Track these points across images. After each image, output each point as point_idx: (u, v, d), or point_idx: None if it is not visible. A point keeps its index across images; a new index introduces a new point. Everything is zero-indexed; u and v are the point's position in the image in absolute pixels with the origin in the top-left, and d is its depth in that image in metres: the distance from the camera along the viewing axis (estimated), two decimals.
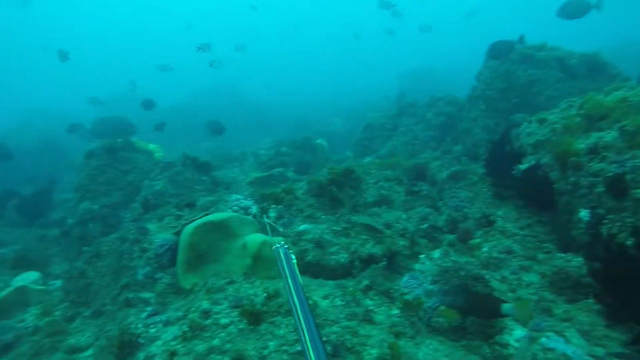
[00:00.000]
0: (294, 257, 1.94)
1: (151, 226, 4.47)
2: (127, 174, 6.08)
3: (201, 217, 3.92)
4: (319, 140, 9.09)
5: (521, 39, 6.57)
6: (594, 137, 3.42)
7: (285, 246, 2.03)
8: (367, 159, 7.37)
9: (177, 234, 3.96)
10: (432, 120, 7.95)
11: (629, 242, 2.79)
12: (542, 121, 4.36)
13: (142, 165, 6.27)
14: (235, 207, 4.42)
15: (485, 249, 3.92)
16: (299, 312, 1.48)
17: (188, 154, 6.06)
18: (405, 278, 3.51)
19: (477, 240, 4.07)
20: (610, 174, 3.01)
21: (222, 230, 3.86)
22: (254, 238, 3.64)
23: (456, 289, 2.95)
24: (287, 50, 35.36)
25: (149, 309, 3.70)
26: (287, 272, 1.79)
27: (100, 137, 7.15)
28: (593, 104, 3.82)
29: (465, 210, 4.59)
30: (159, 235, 4.24)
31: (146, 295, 3.89)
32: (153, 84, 27.78)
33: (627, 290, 2.63)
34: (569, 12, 6.52)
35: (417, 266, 3.78)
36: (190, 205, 4.72)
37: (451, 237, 4.29)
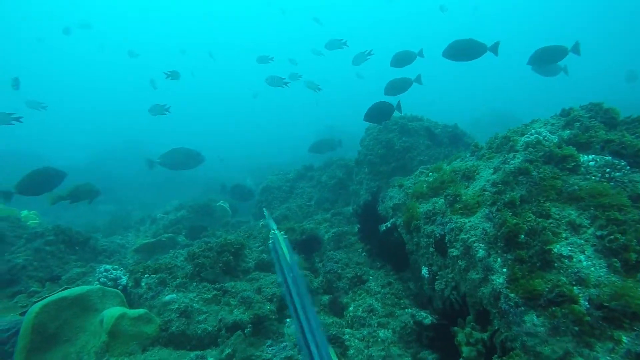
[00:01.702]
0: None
1: None
2: None
3: (58, 292, 3.66)
4: (220, 203, 9.09)
5: (398, 106, 6.84)
6: (430, 203, 3.96)
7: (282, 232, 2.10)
8: (261, 222, 7.52)
9: (24, 314, 3.63)
10: (327, 182, 8.45)
11: (451, 297, 3.20)
12: (400, 186, 4.94)
13: (4, 237, 5.69)
14: (103, 279, 4.19)
15: (351, 308, 4.16)
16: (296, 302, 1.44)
17: (60, 225, 5.67)
18: (269, 342, 3.56)
19: (346, 300, 4.31)
20: (437, 235, 3.49)
21: (78, 305, 3.62)
22: (111, 312, 3.48)
23: None
24: (199, 104, 35.67)
25: None
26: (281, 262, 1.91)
27: (171, 168, 6.46)
28: (435, 173, 4.46)
29: (339, 271, 4.86)
30: (4, 318, 3.84)
31: None
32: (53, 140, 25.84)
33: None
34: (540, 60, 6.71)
35: (284, 330, 3.87)
36: (54, 279, 4.38)
37: (325, 297, 4.49)
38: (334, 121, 21.62)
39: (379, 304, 4.10)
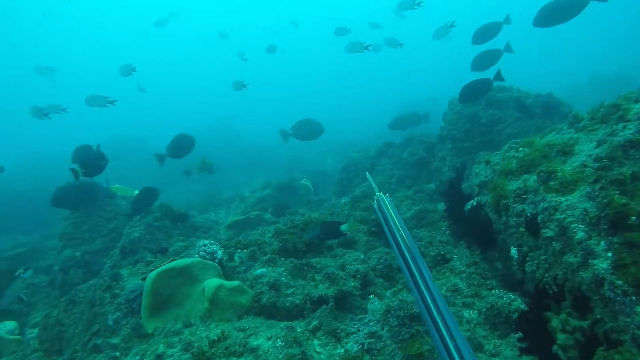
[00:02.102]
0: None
1: (125, 272, 4.73)
2: (109, 221, 6.42)
3: (167, 263, 4.19)
4: (302, 181, 9.44)
5: (498, 75, 6.13)
6: (521, 181, 3.70)
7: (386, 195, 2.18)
8: (344, 200, 7.66)
9: (144, 279, 4.22)
10: (408, 159, 8.28)
11: (544, 279, 3.01)
12: (487, 162, 4.67)
13: (124, 212, 6.62)
14: (202, 253, 4.68)
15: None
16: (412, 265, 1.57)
17: (165, 203, 6.40)
18: (352, 317, 3.71)
19: None
20: (528, 215, 3.27)
21: (184, 275, 4.11)
22: (211, 283, 3.89)
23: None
24: (282, 87, 36.54)
25: (117, 354, 3.91)
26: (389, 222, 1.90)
27: (300, 138, 7.44)
28: (527, 148, 4.14)
29: (422, 249, 4.81)
30: (131, 281, 4.50)
31: (114, 340, 4.10)
32: (151, 121, 28.57)
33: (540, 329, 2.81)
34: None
35: (368, 306, 3.98)
36: (163, 251, 4.99)
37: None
38: (433, 93, 20.57)
39: (464, 284, 4.00)
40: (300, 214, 6.75)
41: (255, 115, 28.95)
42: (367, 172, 3.65)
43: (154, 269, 4.16)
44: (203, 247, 4.73)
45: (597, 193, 2.76)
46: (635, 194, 2.54)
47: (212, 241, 5.05)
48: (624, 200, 2.44)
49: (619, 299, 2.20)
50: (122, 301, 4.33)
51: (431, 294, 1.34)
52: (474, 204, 4.29)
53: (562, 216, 2.85)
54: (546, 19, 5.47)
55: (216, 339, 3.31)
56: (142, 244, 5.57)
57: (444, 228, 5.25)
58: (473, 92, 6.32)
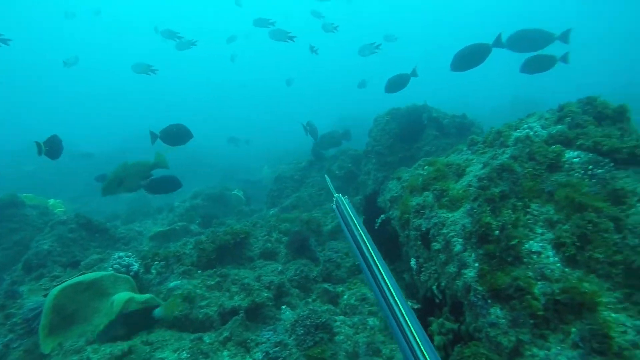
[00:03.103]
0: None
1: (26, 289, 4.45)
2: (14, 233, 5.97)
3: (75, 277, 4.02)
4: (234, 191, 9.41)
5: (414, 72, 6.71)
6: (422, 197, 4.06)
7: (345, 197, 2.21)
8: (272, 211, 7.77)
9: (47, 296, 4.01)
10: (337, 172, 8.60)
11: (433, 288, 3.34)
12: (398, 179, 5.04)
13: (34, 223, 6.19)
14: (116, 266, 4.54)
15: (345, 297, 4.36)
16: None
17: (81, 213, 6.10)
18: (264, 327, 3.82)
19: (340, 289, 4.51)
20: (423, 229, 3.61)
21: (93, 289, 3.98)
22: (120, 296, 3.80)
23: None
24: (226, 94, 36.07)
25: None
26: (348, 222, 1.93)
27: (167, 143, 6.86)
28: (431, 167, 4.54)
29: (339, 260, 5.05)
30: (32, 298, 4.24)
31: None
32: (85, 130, 26.98)
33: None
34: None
35: (281, 316, 4.12)
36: (74, 264, 4.76)
37: (324, 285, 4.70)
38: (352, 111, 21.43)
39: (372, 294, 4.27)
40: (225, 225, 6.75)
41: (194, 120, 28.19)
42: (325, 176, 3.80)
43: (59, 284, 3.97)
44: (118, 260, 4.60)
45: (475, 210, 3.14)
46: (501, 211, 2.94)
47: (129, 253, 4.92)
48: (488, 218, 2.81)
49: (479, 302, 2.53)
50: (18, 321, 4.07)
51: (390, 292, 1.46)
52: (383, 218, 4.61)
53: (446, 230, 3.20)
54: (459, 64, 6.05)
55: (120, 354, 3.26)
56: (52, 257, 5.25)
57: None
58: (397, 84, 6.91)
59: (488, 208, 3.02)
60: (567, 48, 5.97)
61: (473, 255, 2.82)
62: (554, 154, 3.24)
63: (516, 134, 3.86)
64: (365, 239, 1.80)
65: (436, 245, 3.30)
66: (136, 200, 11.95)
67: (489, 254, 2.66)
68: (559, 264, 2.48)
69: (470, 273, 2.72)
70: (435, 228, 3.39)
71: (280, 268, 4.78)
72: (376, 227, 4.70)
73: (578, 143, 3.27)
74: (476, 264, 2.73)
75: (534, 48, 6.08)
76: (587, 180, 2.98)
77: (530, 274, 2.49)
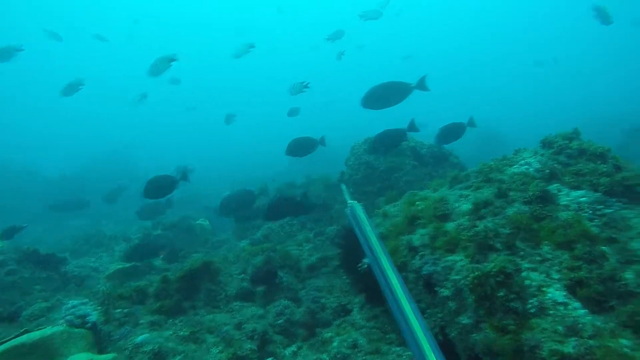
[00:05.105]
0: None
1: None
2: None
3: (15, 337, 3.36)
4: (199, 221, 8.81)
5: (412, 125, 6.48)
6: (418, 235, 3.83)
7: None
8: (242, 243, 7.28)
9: None
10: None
11: (439, 337, 3.06)
12: (385, 215, 4.81)
13: None
14: (69, 317, 3.90)
15: (335, 344, 3.98)
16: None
17: (28, 246, 5.32)
18: None
19: (329, 334, 4.13)
20: (424, 272, 3.35)
21: (39, 352, 3.32)
22: (76, 358, 3.20)
23: None
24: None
25: None
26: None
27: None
28: (422, 202, 4.34)
29: (323, 300, 4.68)
30: None
31: None
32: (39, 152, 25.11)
33: None
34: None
35: None
36: (13, 317, 4.05)
37: (310, 330, 4.30)
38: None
39: (364, 340, 3.93)
40: (192, 260, 6.18)
41: (155, 143, 27.10)
42: (342, 184, 3.61)
43: None
44: (72, 310, 3.96)
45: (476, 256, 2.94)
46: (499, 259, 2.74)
47: (84, 299, 4.28)
48: (504, 264, 2.60)
49: None
50: None
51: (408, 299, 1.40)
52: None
53: (458, 277, 2.96)
54: (370, 102, 5.98)
55: None
56: None
57: (344, 277, 5.22)
58: (388, 141, 6.71)
59: (493, 255, 2.82)
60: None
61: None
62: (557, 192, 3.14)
63: (513, 169, 3.77)
64: (381, 248, 1.78)
65: (444, 292, 3.05)
66: (88, 227, 10.97)
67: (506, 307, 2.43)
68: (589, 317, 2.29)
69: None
70: (442, 273, 3.15)
71: (261, 312, 4.33)
72: (361, 268, 4.37)
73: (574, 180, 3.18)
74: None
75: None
76: (597, 220, 2.87)
77: (559, 328, 2.28)
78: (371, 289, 4.49)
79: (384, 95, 5.92)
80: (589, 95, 29.76)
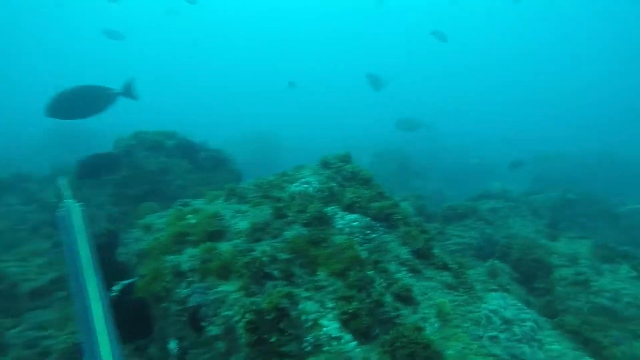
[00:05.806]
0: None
1: None
2: None
3: None
4: None
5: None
6: (186, 256, 3.21)
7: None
8: None
9: None
10: (48, 200, 6.41)
11: None
12: (148, 228, 3.98)
13: None
14: None
15: None
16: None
17: None
18: None
19: None
20: (192, 304, 2.79)
21: None
22: None
23: None
24: None
25: None
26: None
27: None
28: (194, 216, 3.74)
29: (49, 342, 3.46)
30: None
31: None
32: None
33: None
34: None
35: None
36: None
37: None
38: None
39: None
40: None
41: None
42: (61, 178, 2.50)
43: None
44: None
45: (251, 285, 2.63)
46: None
47: None
48: (278, 299, 2.34)
49: None
50: None
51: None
52: (128, 283, 3.42)
53: (230, 313, 2.52)
54: (56, 110, 4.89)
55: None
56: None
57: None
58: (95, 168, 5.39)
59: (279, 283, 2.56)
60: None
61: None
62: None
63: (293, 187, 3.67)
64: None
65: (213, 330, 2.55)
66: None
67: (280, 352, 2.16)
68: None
69: None
70: (212, 306, 2.65)
71: None
72: (114, 295, 3.43)
73: (354, 205, 3.32)
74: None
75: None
76: (366, 244, 3.00)
77: None
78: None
79: (75, 103, 4.78)
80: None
